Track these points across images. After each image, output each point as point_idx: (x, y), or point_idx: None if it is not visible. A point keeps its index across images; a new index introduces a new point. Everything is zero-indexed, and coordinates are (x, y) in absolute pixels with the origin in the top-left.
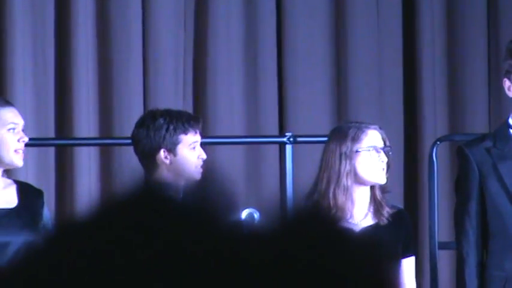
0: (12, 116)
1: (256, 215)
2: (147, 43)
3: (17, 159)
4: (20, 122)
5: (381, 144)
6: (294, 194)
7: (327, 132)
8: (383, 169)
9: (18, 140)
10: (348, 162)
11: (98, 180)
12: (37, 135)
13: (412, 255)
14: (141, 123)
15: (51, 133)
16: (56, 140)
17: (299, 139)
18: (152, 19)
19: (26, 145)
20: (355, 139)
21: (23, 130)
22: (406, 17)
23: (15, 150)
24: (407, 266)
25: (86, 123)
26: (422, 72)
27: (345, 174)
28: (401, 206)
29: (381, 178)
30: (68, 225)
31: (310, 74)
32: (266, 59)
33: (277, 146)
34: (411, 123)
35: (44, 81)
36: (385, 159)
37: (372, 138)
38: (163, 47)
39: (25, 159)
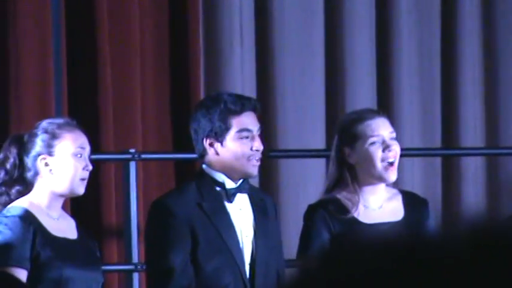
0: None
1: None
2: None
3: None
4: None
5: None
6: None
7: None
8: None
9: None
10: None
11: (484, 190)
12: (423, 145)
13: None
14: None
15: (438, 143)
16: (442, 150)
17: None
18: None
19: (413, 155)
20: None
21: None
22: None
23: None
24: None
25: (472, 133)
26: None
27: None
28: None
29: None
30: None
31: None
32: None
33: None
34: None
35: (431, 92)
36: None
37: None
38: None
39: (411, 168)
